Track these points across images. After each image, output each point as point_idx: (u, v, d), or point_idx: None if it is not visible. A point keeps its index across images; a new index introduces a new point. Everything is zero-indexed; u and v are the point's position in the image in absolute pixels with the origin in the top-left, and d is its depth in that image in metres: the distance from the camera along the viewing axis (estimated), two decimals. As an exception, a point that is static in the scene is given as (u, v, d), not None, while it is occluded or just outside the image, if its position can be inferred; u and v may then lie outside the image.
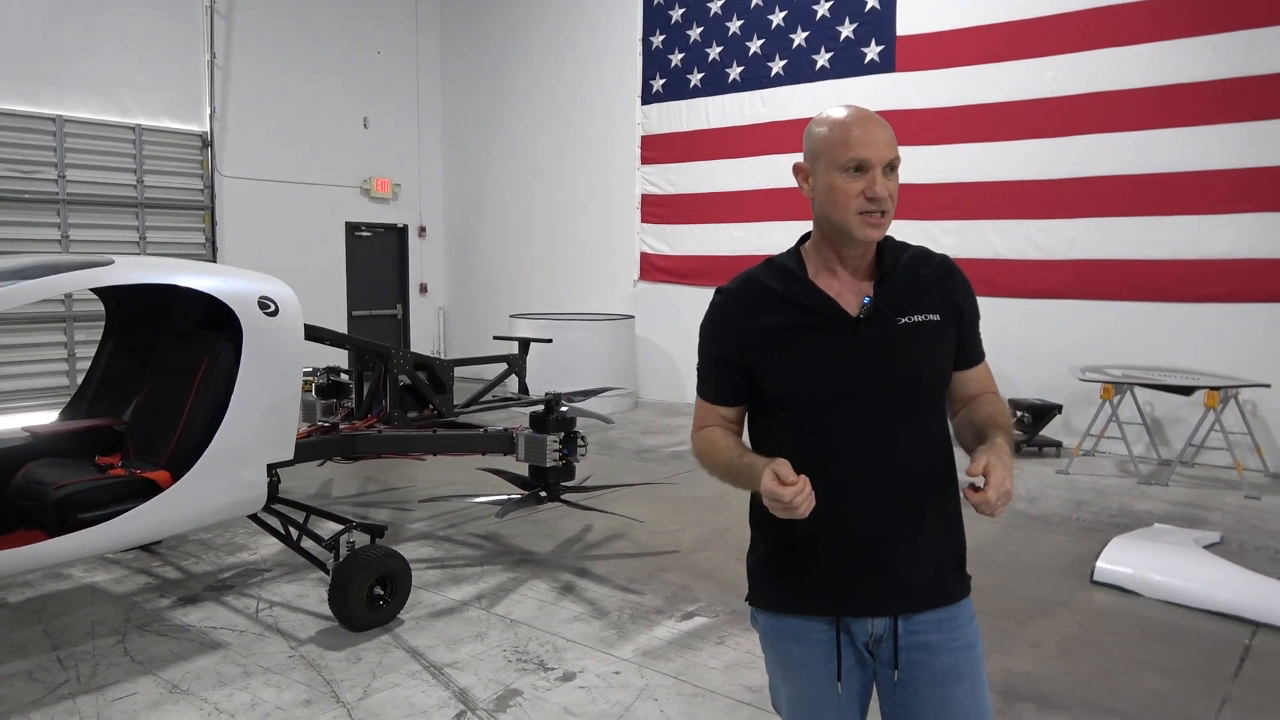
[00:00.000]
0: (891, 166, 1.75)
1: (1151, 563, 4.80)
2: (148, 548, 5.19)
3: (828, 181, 1.76)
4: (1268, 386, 7.15)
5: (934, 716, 1.81)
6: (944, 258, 1.88)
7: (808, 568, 1.83)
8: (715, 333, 1.90)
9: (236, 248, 10.97)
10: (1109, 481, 7.17)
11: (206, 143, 10.86)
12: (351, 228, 12.61)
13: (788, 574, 1.86)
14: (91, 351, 9.40)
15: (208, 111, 10.83)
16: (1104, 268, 8.14)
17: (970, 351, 1.89)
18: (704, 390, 1.96)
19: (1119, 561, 4.86)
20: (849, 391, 1.77)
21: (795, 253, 1.89)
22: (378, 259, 13.09)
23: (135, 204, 10.29)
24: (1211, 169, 7.63)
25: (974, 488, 1.62)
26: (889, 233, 1.83)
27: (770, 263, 1.90)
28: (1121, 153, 7.98)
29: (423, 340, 13.36)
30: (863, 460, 1.77)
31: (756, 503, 1.88)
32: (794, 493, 1.60)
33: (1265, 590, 4.46)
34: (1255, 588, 4.48)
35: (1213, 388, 6.94)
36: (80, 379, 9.49)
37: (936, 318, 1.80)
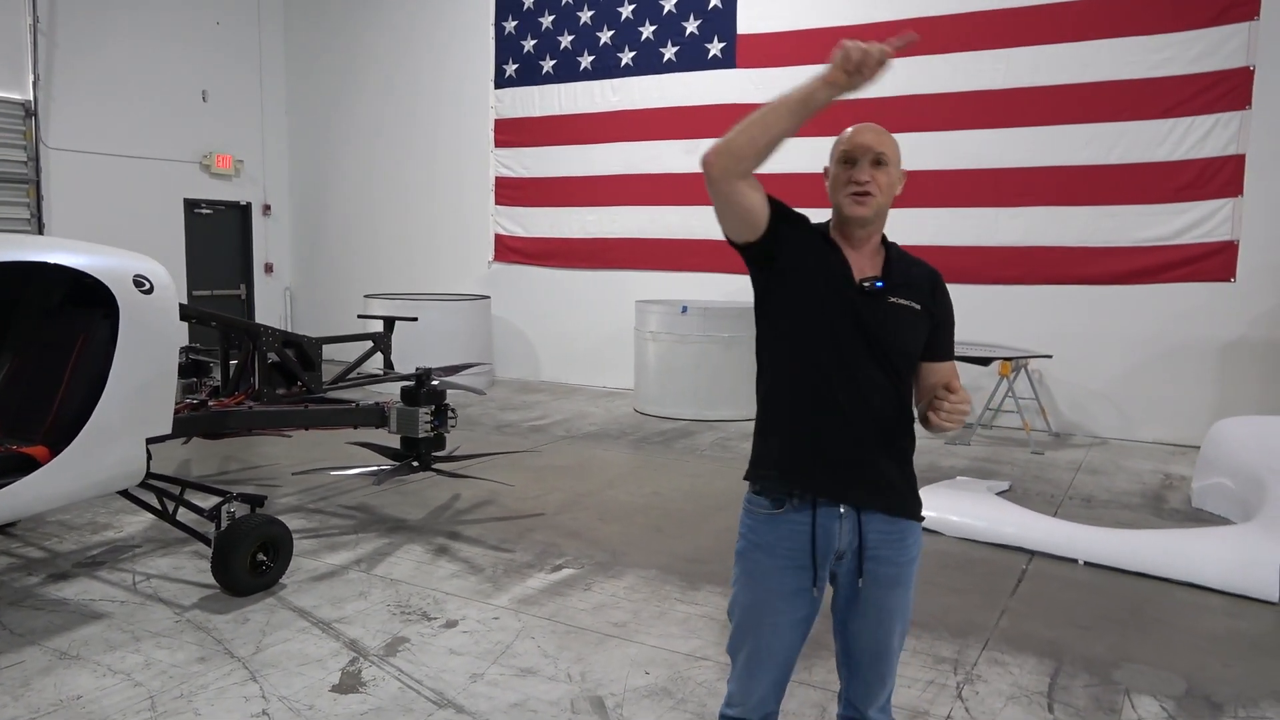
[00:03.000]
0: (878, 161, 2.19)
1: (951, 507, 5.60)
2: (3, 529, 5.12)
3: (831, 173, 2.26)
4: (1050, 357, 8.28)
5: (870, 610, 2.28)
6: (933, 270, 2.36)
7: (792, 453, 2.26)
8: (801, 220, 2.28)
9: (65, 224, 10.44)
10: (920, 443, 8.02)
11: (30, 112, 10.25)
12: (191, 205, 12.19)
13: (775, 457, 2.29)
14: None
15: (30, 79, 10.22)
16: (916, 253, 9.06)
17: (939, 348, 2.33)
18: (771, 200, 2.23)
19: (925, 507, 5.63)
20: (841, 336, 2.21)
21: (825, 225, 2.32)
22: (219, 237, 12.69)
23: (-51, 175, 9.64)
24: (1006, 167, 8.70)
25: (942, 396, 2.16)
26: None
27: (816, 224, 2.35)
28: (929, 150, 8.92)
29: (269, 321, 13.03)
30: (843, 383, 2.20)
31: (762, 410, 2.35)
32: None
33: (1040, 525, 5.34)
34: (1033, 523, 5.36)
35: (1006, 359, 7.97)
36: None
37: (918, 306, 2.26)
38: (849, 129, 2.26)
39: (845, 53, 1.99)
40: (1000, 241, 8.75)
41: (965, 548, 5.19)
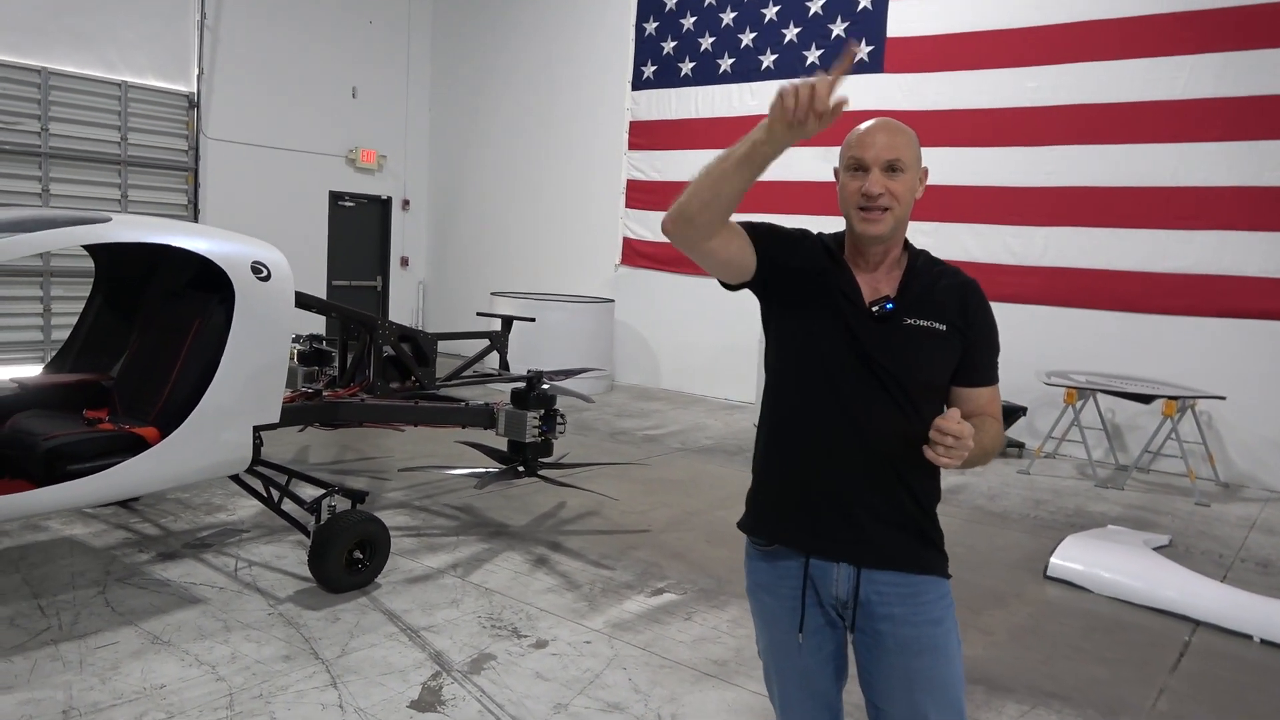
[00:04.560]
0: (893, 168, 1.89)
1: (1102, 561, 5.01)
2: (127, 504, 5.26)
3: (840, 181, 1.98)
4: (1223, 399, 7.42)
5: (898, 683, 1.96)
6: (966, 280, 2.01)
7: (781, 503, 2.04)
8: (806, 237, 2.07)
9: (219, 210, 10.94)
10: (1068, 483, 7.41)
11: (193, 103, 10.79)
12: (335, 197, 12.59)
13: (765, 506, 2.08)
14: (68, 306, 9.42)
15: (195, 72, 10.76)
16: (1073, 275, 8.36)
17: (974, 371, 2.00)
18: (763, 226, 2.03)
19: (1071, 558, 5.07)
20: (849, 366, 1.94)
21: (840, 236, 2.06)
22: (360, 230, 13.08)
23: (118, 161, 10.22)
24: (1179, 186, 7.87)
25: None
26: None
27: (822, 235, 2.09)
28: (1095, 164, 8.19)
29: (401, 313, 13.38)
30: (840, 423, 1.95)
31: (755, 449, 2.12)
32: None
33: (1207, 591, 4.69)
34: (1198, 588, 4.71)
35: (1171, 397, 7.18)
36: (55, 333, 9.53)
37: (942, 327, 1.94)
38: (859, 128, 1.94)
39: (781, 100, 1.62)
40: (1169, 268, 7.92)
41: (1116, 609, 4.61)
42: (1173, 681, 3.83)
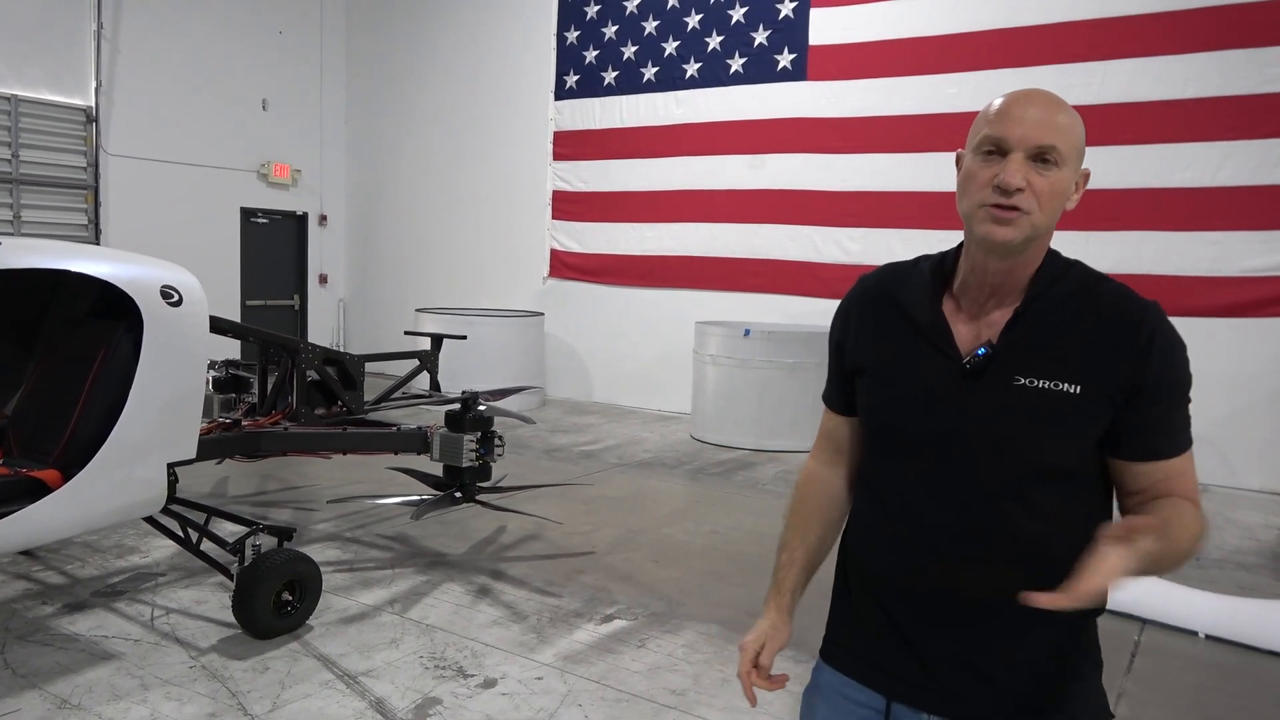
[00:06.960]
0: (1043, 156, 1.36)
1: (1047, 563, 5.02)
2: (28, 550, 4.85)
3: (965, 168, 1.43)
4: (1146, 395, 7.61)
5: None
6: (1137, 308, 1.41)
7: (863, 628, 1.57)
8: (836, 326, 1.66)
9: (122, 230, 10.36)
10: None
11: (91, 118, 10.20)
12: (247, 214, 12.08)
13: (845, 629, 1.63)
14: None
15: (93, 85, 10.18)
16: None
17: (1148, 439, 1.41)
18: (825, 390, 1.71)
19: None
20: (930, 446, 1.46)
21: (954, 254, 1.54)
22: (275, 247, 12.57)
23: (9, 180, 9.58)
24: (1097, 188, 8.05)
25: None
26: (1084, 261, 1.51)
27: (924, 258, 1.60)
28: (1018, 169, 8.36)
29: (321, 333, 12.91)
30: (937, 530, 1.45)
31: (841, 551, 1.67)
32: (742, 673, 1.58)
33: (1152, 588, 4.72)
34: (1144, 587, 4.75)
35: (1097, 395, 7.33)
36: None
37: (1074, 389, 1.37)
38: (1000, 99, 1.41)
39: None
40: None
41: (1065, 612, 4.60)
42: (1129, 685, 3.83)
